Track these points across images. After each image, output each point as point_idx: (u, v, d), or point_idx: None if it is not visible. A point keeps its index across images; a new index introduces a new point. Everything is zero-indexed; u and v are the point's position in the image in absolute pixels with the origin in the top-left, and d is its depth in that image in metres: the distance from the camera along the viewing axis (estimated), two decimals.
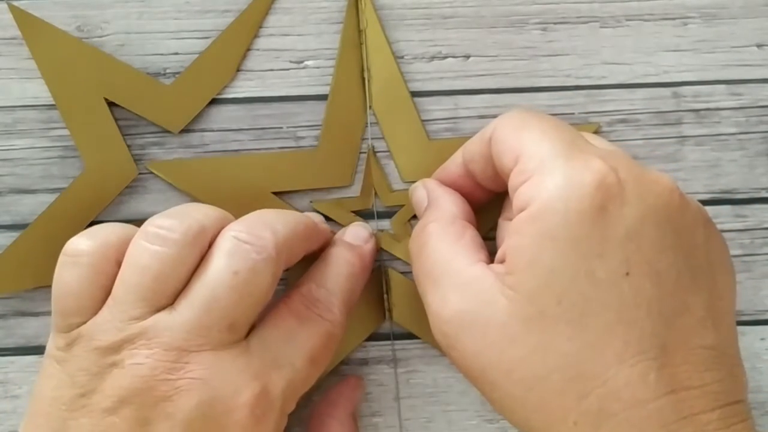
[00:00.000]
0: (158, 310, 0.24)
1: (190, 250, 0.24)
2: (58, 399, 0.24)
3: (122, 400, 0.23)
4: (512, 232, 0.24)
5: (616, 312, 0.22)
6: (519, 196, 0.24)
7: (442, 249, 0.26)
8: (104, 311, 0.24)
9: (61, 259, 0.25)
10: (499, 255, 0.25)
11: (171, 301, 0.24)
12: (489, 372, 0.24)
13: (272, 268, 0.24)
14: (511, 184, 0.25)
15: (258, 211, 0.26)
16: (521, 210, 0.24)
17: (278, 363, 0.24)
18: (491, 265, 0.25)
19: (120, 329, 0.23)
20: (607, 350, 0.22)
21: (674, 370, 0.22)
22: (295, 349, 0.25)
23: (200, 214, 0.25)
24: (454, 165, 0.29)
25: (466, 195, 0.29)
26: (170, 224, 0.24)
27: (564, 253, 0.23)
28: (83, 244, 0.25)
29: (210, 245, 0.25)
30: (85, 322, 0.24)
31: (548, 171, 0.23)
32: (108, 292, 0.24)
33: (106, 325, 0.24)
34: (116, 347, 0.23)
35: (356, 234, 0.29)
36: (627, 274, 0.22)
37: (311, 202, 0.31)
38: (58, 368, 0.24)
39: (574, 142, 0.24)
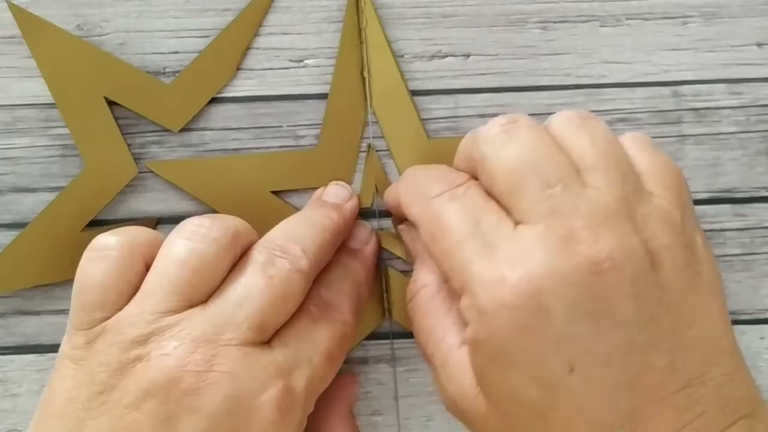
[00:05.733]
0: (192, 305, 0.24)
1: (227, 250, 0.25)
2: (74, 399, 0.23)
3: (146, 394, 0.22)
4: (466, 344, 0.24)
5: (570, 405, 0.23)
6: (459, 309, 0.24)
7: (432, 323, 0.26)
8: (132, 305, 0.24)
9: (87, 254, 0.25)
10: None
11: (205, 298, 0.24)
12: None
13: (304, 281, 0.25)
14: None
15: (285, 225, 0.27)
16: (465, 324, 0.24)
17: (298, 360, 0.24)
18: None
19: (150, 322, 0.23)
20: None
21: (648, 425, 0.22)
22: (312, 346, 0.25)
23: (234, 220, 0.26)
24: (392, 203, 0.29)
25: None
26: (209, 223, 0.25)
27: (508, 372, 0.23)
28: (112, 239, 0.25)
29: (240, 257, 0.25)
30: (108, 318, 0.24)
31: (470, 299, 0.23)
32: (134, 289, 0.24)
33: (133, 318, 0.23)
34: (143, 340, 0.23)
35: (357, 236, 0.30)
36: (571, 371, 0.22)
37: None
38: (74, 368, 0.24)
39: (485, 246, 0.23)
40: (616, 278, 0.22)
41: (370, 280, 0.29)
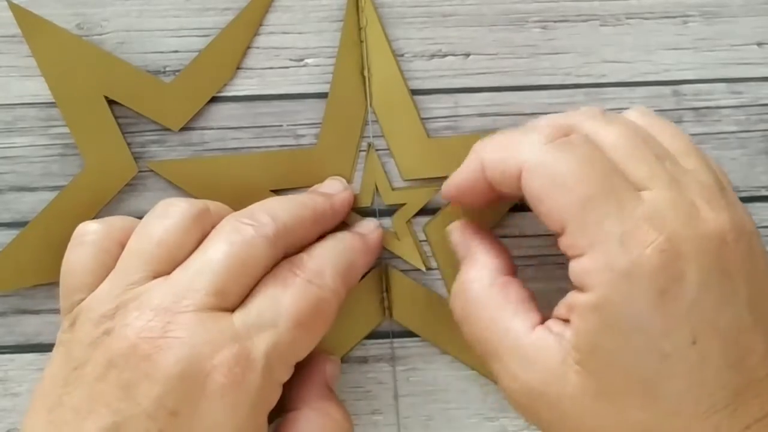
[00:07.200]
0: (156, 276, 0.24)
1: (193, 223, 0.25)
2: (55, 377, 0.24)
3: (110, 365, 0.23)
4: (575, 312, 0.23)
5: (685, 379, 0.22)
6: (574, 271, 0.23)
7: (492, 316, 0.25)
8: (104, 283, 0.25)
9: (70, 243, 0.26)
10: (562, 311, 0.24)
11: (170, 269, 0.25)
12: None
13: (268, 246, 0.25)
14: (562, 248, 0.24)
15: (262, 201, 0.27)
16: (579, 288, 0.23)
17: (260, 325, 0.24)
18: (551, 325, 0.24)
19: (117, 296, 0.24)
20: (681, 414, 0.23)
21: (746, 407, 0.23)
22: (278, 310, 0.24)
23: (205, 201, 0.27)
24: (470, 173, 0.27)
25: (485, 195, 0.27)
26: (176, 201, 0.26)
27: (629, 340, 0.23)
28: (91, 226, 0.26)
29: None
30: (85, 299, 0.25)
31: (602, 258, 0.23)
32: (110, 271, 0.25)
33: (104, 294, 0.24)
34: (111, 314, 0.24)
35: (362, 224, 0.30)
36: (694, 342, 0.22)
37: None
38: (60, 350, 0.25)
39: (619, 204, 0.23)
40: (737, 251, 0.23)
41: (366, 257, 0.29)
